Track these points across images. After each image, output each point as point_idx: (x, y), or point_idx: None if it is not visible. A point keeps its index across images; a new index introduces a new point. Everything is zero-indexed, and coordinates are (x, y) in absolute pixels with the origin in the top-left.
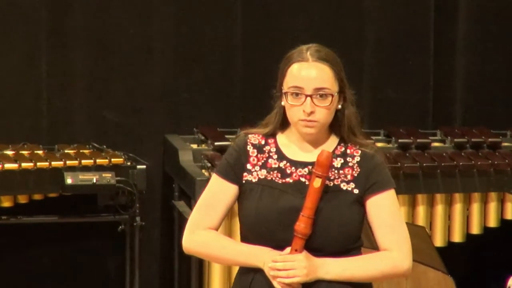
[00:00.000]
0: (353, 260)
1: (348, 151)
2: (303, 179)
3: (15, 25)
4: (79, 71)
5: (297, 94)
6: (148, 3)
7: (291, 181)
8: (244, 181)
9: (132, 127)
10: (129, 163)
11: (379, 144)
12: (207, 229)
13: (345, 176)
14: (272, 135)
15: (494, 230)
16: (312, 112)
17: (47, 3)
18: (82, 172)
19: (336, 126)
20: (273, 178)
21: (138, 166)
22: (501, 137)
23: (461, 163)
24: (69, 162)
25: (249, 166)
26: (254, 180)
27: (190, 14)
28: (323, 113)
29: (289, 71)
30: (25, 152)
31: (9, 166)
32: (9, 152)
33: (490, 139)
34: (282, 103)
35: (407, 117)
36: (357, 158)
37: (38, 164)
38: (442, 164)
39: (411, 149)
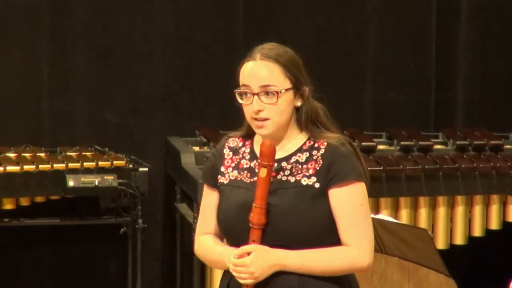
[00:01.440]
0: (313, 253)
1: (316, 145)
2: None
3: (17, 28)
4: (80, 73)
5: (246, 94)
6: (149, 5)
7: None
8: (219, 184)
9: (134, 130)
10: (131, 166)
11: (381, 147)
12: (205, 234)
13: (307, 170)
14: (250, 136)
15: (496, 233)
16: (260, 111)
17: (48, 5)
18: (84, 174)
19: (301, 122)
20: (243, 178)
21: (140, 169)
22: (503, 139)
23: (463, 166)
24: (71, 165)
25: (222, 169)
26: (225, 182)
27: (191, 16)
28: (272, 110)
29: (241, 71)
30: (27, 155)
31: (11, 168)
32: (11, 155)
33: (492, 142)
34: None
35: (409, 119)
36: (322, 151)
37: (40, 166)
38: (444, 166)
39: (413, 151)
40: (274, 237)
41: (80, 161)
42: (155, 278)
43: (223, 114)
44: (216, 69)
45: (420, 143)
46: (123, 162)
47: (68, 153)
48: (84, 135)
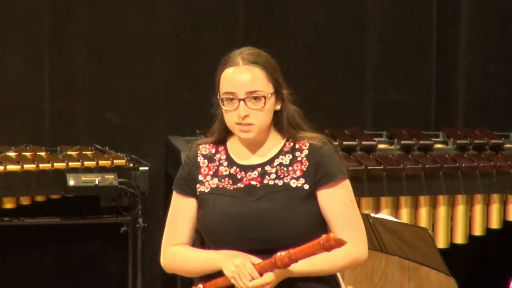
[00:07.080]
0: (317, 259)
1: (297, 145)
2: (253, 182)
3: (18, 27)
4: (81, 72)
5: (231, 99)
6: (150, 5)
7: (242, 186)
8: (198, 193)
9: (134, 129)
10: (131, 165)
11: (381, 146)
12: (176, 245)
13: (294, 172)
14: (222, 142)
15: (496, 232)
16: (246, 116)
17: (49, 5)
18: (85, 173)
19: (279, 125)
20: (225, 186)
21: (141, 168)
22: (503, 138)
23: (463, 165)
24: (71, 164)
25: (200, 177)
26: (206, 190)
27: (192, 15)
28: (258, 115)
29: (222, 77)
30: (27, 154)
31: (11, 167)
32: (12, 154)
33: (492, 141)
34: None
35: (410, 119)
36: (305, 152)
37: (41, 165)
38: (445, 165)
39: (414, 150)
40: (265, 241)
41: (81, 160)
42: (156, 277)
43: None
44: (216, 69)
45: (421, 142)
46: (124, 161)
47: (68, 152)
48: (84, 134)
